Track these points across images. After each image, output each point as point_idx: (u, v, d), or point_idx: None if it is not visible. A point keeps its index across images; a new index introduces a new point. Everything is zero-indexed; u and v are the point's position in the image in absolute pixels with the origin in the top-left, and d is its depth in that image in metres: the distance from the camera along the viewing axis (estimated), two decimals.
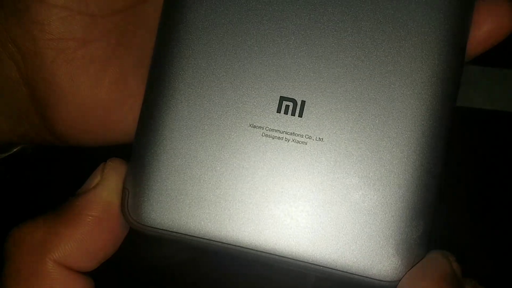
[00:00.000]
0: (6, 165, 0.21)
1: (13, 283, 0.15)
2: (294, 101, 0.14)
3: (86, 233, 0.14)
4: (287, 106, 0.14)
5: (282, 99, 0.14)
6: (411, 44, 0.14)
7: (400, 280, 0.14)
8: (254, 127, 0.14)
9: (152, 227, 0.14)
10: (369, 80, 0.14)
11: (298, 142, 0.14)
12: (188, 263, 0.24)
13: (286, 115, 0.14)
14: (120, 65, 0.17)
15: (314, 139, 0.14)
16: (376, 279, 0.13)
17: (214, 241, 0.14)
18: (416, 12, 0.14)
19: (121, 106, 0.17)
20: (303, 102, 0.14)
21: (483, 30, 0.17)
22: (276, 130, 0.14)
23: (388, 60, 0.14)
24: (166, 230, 0.14)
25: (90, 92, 0.17)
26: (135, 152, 0.15)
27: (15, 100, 0.17)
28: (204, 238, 0.14)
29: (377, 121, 0.14)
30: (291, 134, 0.14)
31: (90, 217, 0.15)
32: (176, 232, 0.14)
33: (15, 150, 0.21)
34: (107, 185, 0.15)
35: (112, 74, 0.17)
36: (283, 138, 0.14)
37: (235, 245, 0.14)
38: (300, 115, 0.14)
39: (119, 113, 0.17)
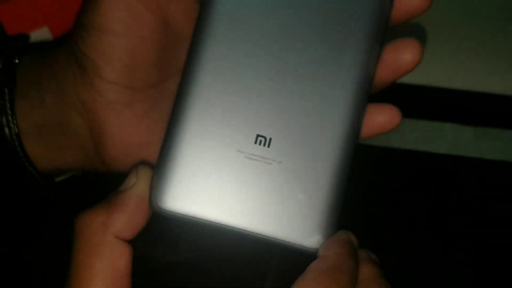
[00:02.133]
0: (62, 184, 0.29)
1: (85, 251, 0.21)
2: (265, 138, 0.23)
3: (130, 216, 0.21)
4: (260, 140, 0.23)
5: (257, 135, 0.23)
6: (330, 93, 0.23)
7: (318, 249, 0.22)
8: (240, 151, 0.22)
9: (169, 210, 0.22)
10: (308, 125, 0.23)
11: (266, 163, 0.22)
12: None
13: (260, 145, 0.22)
14: (151, 120, 0.25)
15: (276, 162, 0.22)
16: (305, 246, 0.22)
17: (209, 220, 0.22)
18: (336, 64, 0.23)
19: (150, 146, 0.25)
20: (270, 139, 0.23)
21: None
22: (253, 154, 0.22)
23: (313, 113, 0.23)
24: (178, 213, 0.22)
25: (130, 136, 0.25)
26: (159, 159, 0.23)
27: (79, 140, 0.25)
28: (205, 220, 0.22)
29: (309, 151, 0.22)
30: (262, 157, 0.22)
31: (132, 206, 0.22)
32: (183, 214, 0.22)
33: (71, 174, 0.29)
34: (140, 185, 0.22)
35: (145, 125, 0.25)
36: (257, 159, 0.22)
37: (219, 223, 0.22)
38: (268, 146, 0.22)
39: (149, 150, 0.25)
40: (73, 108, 0.25)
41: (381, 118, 0.25)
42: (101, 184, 0.25)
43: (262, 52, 0.23)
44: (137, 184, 0.22)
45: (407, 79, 0.37)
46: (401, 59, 0.24)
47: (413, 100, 0.36)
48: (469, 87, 0.36)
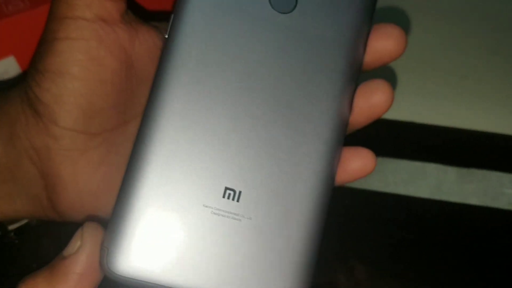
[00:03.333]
0: (15, 233, 0.27)
1: None
2: (234, 191, 0.21)
3: (73, 286, 0.20)
4: (229, 194, 0.21)
5: (226, 188, 0.21)
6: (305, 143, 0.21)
7: None
8: (206, 206, 0.20)
9: (123, 275, 0.20)
10: (281, 177, 0.21)
11: (235, 219, 0.20)
12: None
13: (228, 199, 0.20)
14: (108, 166, 0.23)
15: (246, 218, 0.20)
16: None
17: (170, 286, 0.20)
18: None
19: (107, 194, 0.23)
20: (240, 192, 0.21)
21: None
22: (221, 210, 0.20)
23: (286, 163, 0.21)
24: (134, 279, 0.19)
25: (86, 185, 0.23)
26: (113, 214, 0.20)
27: (31, 188, 0.23)
28: (165, 286, 0.20)
29: (281, 206, 0.21)
30: (230, 213, 0.20)
31: (75, 274, 0.20)
32: (140, 280, 0.20)
33: (24, 222, 0.27)
34: (86, 248, 0.20)
35: (102, 172, 0.23)
36: (225, 215, 0.20)
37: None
38: (238, 200, 0.20)
39: (105, 199, 0.23)
40: (25, 155, 0.23)
41: (356, 164, 0.23)
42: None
43: (230, 95, 0.21)
44: (83, 247, 0.20)
45: (389, 115, 0.36)
46: (372, 102, 0.23)
47: (394, 137, 0.35)
48: (453, 124, 0.35)
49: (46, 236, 0.26)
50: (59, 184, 0.23)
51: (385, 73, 0.39)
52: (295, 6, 0.21)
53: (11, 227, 0.27)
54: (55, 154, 0.22)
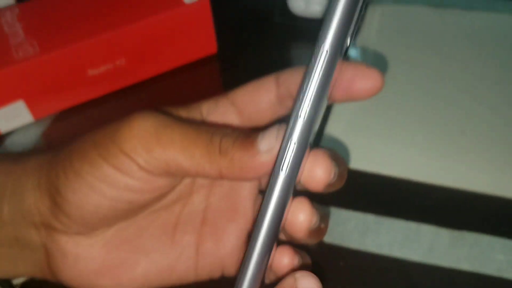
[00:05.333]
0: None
1: None
2: None
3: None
4: None
5: None
6: None
7: None
8: None
9: None
10: None
11: None
12: None
13: None
14: (112, 248, 0.25)
15: None
16: None
17: None
18: None
19: (108, 274, 0.25)
20: None
21: None
22: None
23: None
24: None
25: (87, 264, 0.24)
26: None
27: (35, 256, 0.25)
28: None
29: None
30: None
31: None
32: None
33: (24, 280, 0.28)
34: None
35: (104, 253, 0.25)
36: None
37: None
38: None
39: (106, 279, 0.25)
40: (33, 227, 0.24)
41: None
42: None
43: None
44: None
45: (386, 171, 0.37)
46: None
47: (389, 194, 0.36)
48: (447, 183, 0.36)
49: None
50: (61, 260, 0.24)
51: (383, 126, 0.40)
52: None
53: (16, 281, 0.28)
54: (62, 234, 0.23)
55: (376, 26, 0.50)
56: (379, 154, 0.38)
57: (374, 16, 0.51)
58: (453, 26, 0.49)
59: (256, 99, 0.25)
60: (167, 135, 0.22)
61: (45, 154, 0.25)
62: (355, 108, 0.42)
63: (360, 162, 0.38)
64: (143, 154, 0.22)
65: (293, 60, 0.50)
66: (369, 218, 0.34)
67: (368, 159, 0.38)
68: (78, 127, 0.43)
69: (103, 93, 0.45)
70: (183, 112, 0.26)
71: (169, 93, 0.46)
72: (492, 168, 0.37)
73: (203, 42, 0.47)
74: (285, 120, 0.21)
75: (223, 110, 0.26)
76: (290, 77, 0.24)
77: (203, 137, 0.22)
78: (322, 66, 0.19)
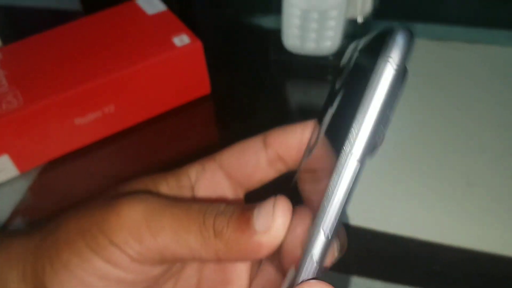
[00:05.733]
0: None
1: None
2: None
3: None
4: None
5: None
6: None
7: None
8: None
9: None
10: None
11: None
12: None
13: None
14: None
15: None
16: None
17: None
18: None
19: None
20: None
21: None
22: None
23: None
24: None
25: None
26: None
27: None
28: None
29: None
30: None
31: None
32: None
33: None
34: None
35: None
36: None
37: None
38: None
39: None
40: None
41: None
42: None
43: None
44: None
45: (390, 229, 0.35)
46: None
47: (395, 256, 0.34)
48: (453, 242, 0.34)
49: None
50: None
51: (385, 180, 0.38)
52: None
53: None
54: None
55: None
56: (382, 210, 0.36)
57: None
58: (455, 61, 0.48)
59: (243, 161, 0.24)
60: (157, 222, 0.20)
61: (29, 237, 0.23)
62: None
63: (362, 218, 0.35)
64: (135, 246, 0.20)
65: (288, 97, 0.48)
66: (377, 286, 0.32)
67: (370, 215, 0.35)
68: (66, 179, 0.41)
69: (92, 141, 0.43)
70: (172, 179, 0.24)
71: (162, 137, 0.44)
72: (498, 225, 0.35)
73: (196, 83, 0.45)
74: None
75: (212, 174, 0.25)
76: (278, 137, 0.24)
77: (195, 219, 0.20)
78: (352, 177, 0.17)
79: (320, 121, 0.22)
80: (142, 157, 0.42)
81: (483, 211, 0.35)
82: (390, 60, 0.16)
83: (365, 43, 0.19)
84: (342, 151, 0.17)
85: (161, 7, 0.46)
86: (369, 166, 0.38)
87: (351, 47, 0.21)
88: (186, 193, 0.24)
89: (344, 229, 0.22)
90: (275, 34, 0.49)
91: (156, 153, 0.43)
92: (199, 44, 0.42)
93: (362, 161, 0.17)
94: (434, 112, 0.43)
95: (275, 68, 0.50)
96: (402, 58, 0.16)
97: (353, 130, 0.17)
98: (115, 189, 0.24)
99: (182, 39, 0.42)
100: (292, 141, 0.24)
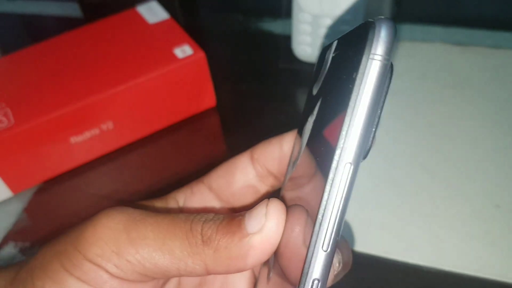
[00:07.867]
0: None
1: None
2: None
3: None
4: None
5: None
6: None
7: None
8: None
9: None
10: None
11: None
12: None
13: None
14: None
15: None
16: None
17: None
18: None
19: None
20: None
21: None
22: None
23: None
24: None
25: None
26: None
27: None
28: None
29: None
30: None
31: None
32: None
33: None
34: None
35: None
36: None
37: None
38: None
39: None
40: None
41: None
42: None
43: None
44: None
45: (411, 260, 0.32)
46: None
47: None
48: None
49: None
50: None
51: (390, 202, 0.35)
52: None
53: None
54: None
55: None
56: (387, 235, 0.33)
57: None
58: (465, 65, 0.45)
59: (232, 181, 0.23)
60: (138, 231, 0.18)
61: (5, 272, 0.21)
62: (361, 185, 0.37)
63: (366, 244, 0.33)
64: (113, 259, 0.18)
65: (298, 108, 0.45)
66: None
67: (375, 240, 0.33)
68: (63, 199, 0.39)
69: (90, 160, 0.40)
70: (159, 203, 0.23)
71: (164, 154, 0.41)
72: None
73: (200, 96, 0.42)
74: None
75: (201, 197, 0.24)
76: (263, 151, 0.23)
77: (181, 226, 0.18)
78: (346, 181, 0.16)
79: (300, 130, 0.21)
80: (144, 175, 0.40)
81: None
82: (376, 57, 0.15)
83: (341, 42, 0.18)
84: (334, 157, 0.15)
85: (164, 16, 0.43)
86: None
87: (323, 49, 0.20)
88: None
89: (348, 243, 0.20)
90: (284, 41, 0.46)
91: (158, 171, 0.40)
92: (202, 55, 0.39)
93: (356, 165, 0.16)
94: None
95: (284, 77, 0.47)
96: (387, 53, 0.15)
97: (344, 134, 0.15)
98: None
99: (184, 50, 0.39)
100: (276, 154, 0.22)
